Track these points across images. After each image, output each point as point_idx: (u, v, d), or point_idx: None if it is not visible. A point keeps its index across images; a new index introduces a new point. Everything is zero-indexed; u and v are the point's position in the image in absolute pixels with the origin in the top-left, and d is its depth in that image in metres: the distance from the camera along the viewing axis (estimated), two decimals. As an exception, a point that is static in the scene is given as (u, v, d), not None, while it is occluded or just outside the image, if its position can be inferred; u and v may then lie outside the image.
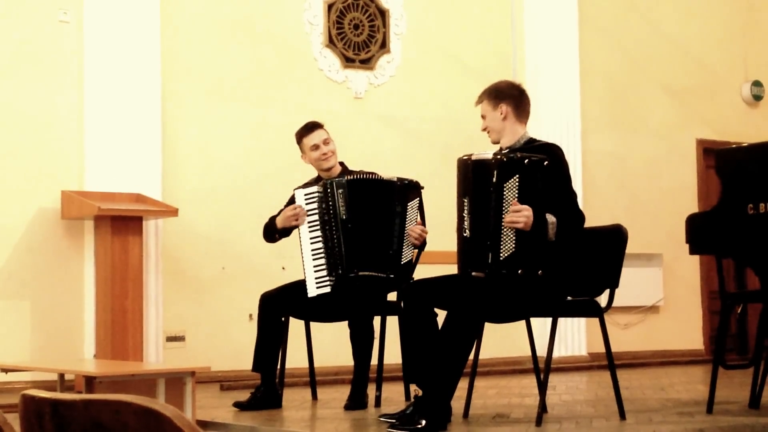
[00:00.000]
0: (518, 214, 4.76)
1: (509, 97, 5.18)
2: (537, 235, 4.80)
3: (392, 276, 5.80)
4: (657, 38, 10.28)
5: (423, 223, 5.93)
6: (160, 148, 7.78)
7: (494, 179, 4.82)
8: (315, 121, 6.18)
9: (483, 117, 5.23)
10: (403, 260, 5.84)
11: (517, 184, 4.79)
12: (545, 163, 4.85)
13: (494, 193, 4.82)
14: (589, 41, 9.75)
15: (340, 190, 5.83)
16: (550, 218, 4.85)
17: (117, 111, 7.61)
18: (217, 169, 8.11)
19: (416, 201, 5.89)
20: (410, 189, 5.88)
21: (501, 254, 4.80)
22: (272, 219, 6.15)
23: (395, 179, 5.88)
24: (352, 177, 5.90)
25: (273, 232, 6.11)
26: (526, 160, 4.81)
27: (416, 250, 5.93)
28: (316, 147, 6.05)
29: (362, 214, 5.83)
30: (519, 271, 4.81)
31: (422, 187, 5.92)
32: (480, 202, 4.89)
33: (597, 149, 9.78)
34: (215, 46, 8.19)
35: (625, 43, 10.09)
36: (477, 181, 4.90)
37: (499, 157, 4.84)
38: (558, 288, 5.00)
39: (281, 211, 6.16)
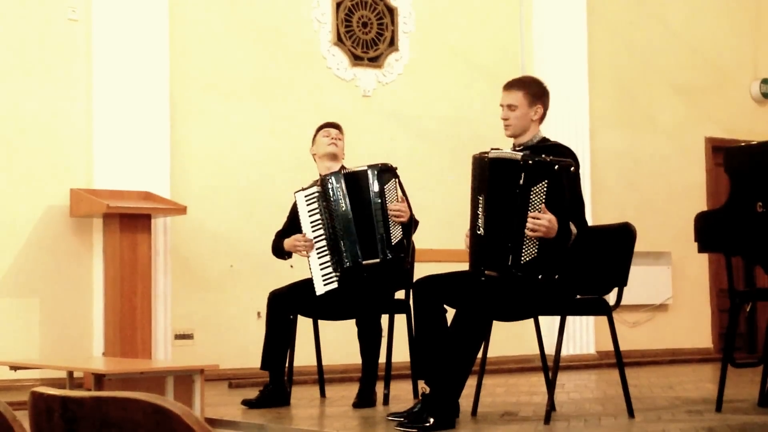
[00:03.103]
0: (540, 222, 4.70)
1: (544, 98, 5.16)
2: (559, 243, 4.77)
3: (389, 257, 5.81)
4: (666, 36, 10.26)
5: (406, 201, 5.92)
6: (168, 147, 7.78)
7: (521, 181, 4.75)
8: (337, 123, 6.33)
9: (510, 107, 5.13)
10: (394, 240, 5.85)
11: (545, 189, 4.73)
12: (572, 168, 4.81)
13: (520, 196, 4.76)
14: (597, 39, 9.74)
15: (338, 184, 5.88)
16: (573, 229, 4.83)
17: (126, 109, 7.62)
18: (225, 167, 8.12)
19: (393, 182, 5.91)
20: (384, 172, 5.91)
21: (522, 258, 4.77)
22: (279, 237, 6.20)
23: (366, 167, 5.91)
24: (345, 171, 5.97)
25: (281, 253, 6.21)
26: (555, 166, 4.73)
27: (407, 230, 5.91)
28: (327, 134, 6.18)
29: (355, 206, 5.88)
30: (539, 277, 4.79)
31: (395, 168, 5.93)
32: (499, 201, 4.85)
33: (606, 147, 9.76)
34: (223, 45, 8.19)
35: (633, 41, 10.08)
36: (495, 179, 4.86)
37: (528, 160, 4.75)
38: (567, 286, 4.99)
39: (286, 227, 6.20)
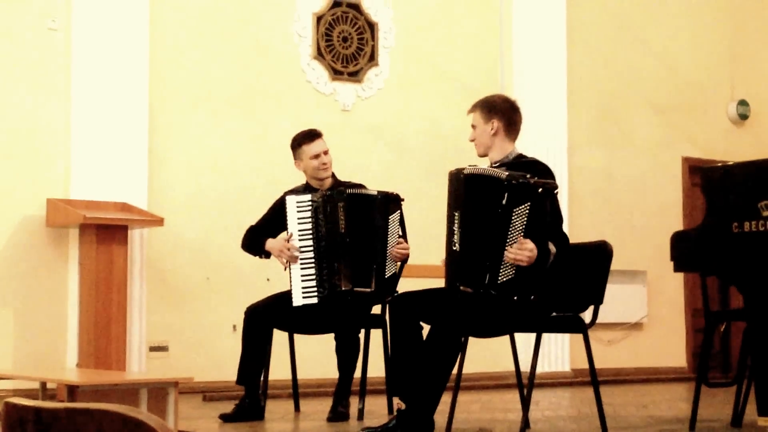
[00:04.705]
0: (522, 252, 4.70)
1: (502, 112, 5.16)
2: (537, 266, 4.77)
3: (378, 291, 5.80)
4: (645, 56, 10.32)
5: (404, 236, 5.92)
6: (146, 158, 7.76)
7: (504, 201, 4.75)
8: (316, 130, 6.12)
9: (473, 127, 5.21)
10: (387, 274, 5.84)
11: (527, 211, 4.73)
12: (556, 191, 4.84)
13: (501, 216, 4.76)
14: (577, 57, 9.78)
15: (341, 203, 5.82)
16: (552, 248, 4.84)
17: (104, 119, 7.60)
18: (203, 179, 8.11)
19: (397, 214, 5.88)
20: (391, 202, 5.88)
21: (499, 278, 4.77)
22: (256, 232, 6.12)
23: (376, 193, 5.88)
24: (351, 191, 5.89)
25: (258, 249, 6.08)
26: (540, 189, 4.74)
27: (398, 263, 5.93)
28: (316, 156, 6.01)
29: (356, 229, 5.83)
30: (515, 298, 4.80)
31: (402, 200, 5.92)
32: (476, 219, 4.85)
33: (583, 165, 9.80)
34: (203, 57, 8.19)
35: (612, 60, 10.13)
36: (472, 196, 4.86)
37: (512, 180, 4.75)
38: (543, 304, 5.00)
39: (261, 224, 6.14)
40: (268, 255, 6.06)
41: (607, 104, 10.07)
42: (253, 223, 6.22)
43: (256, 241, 6.10)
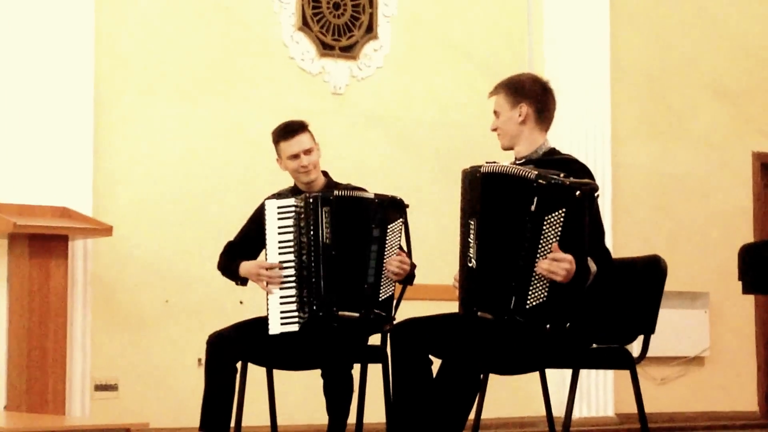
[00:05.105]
0: (558, 265, 4.64)
1: (532, 96, 5.13)
2: (574, 286, 4.72)
3: (370, 316, 5.77)
4: (706, 29, 10.30)
5: (408, 251, 5.88)
6: (91, 154, 7.75)
7: (533, 207, 4.71)
8: (298, 122, 6.09)
9: (495, 114, 5.18)
10: (383, 295, 5.80)
11: (562, 219, 4.67)
12: (597, 194, 4.79)
13: (530, 225, 4.71)
14: (622, 31, 9.77)
15: (325, 208, 5.79)
16: (592, 266, 4.79)
17: (39, 109, 7.59)
18: (161, 179, 8.09)
19: (398, 223, 5.84)
20: (392, 208, 5.84)
21: (528, 302, 4.73)
22: (231, 251, 6.12)
23: (373, 196, 5.85)
24: (340, 193, 5.86)
25: (234, 275, 6.11)
26: (577, 191, 4.67)
27: (401, 285, 5.89)
28: (295, 156, 6.00)
29: (344, 240, 5.80)
30: (547, 326, 4.75)
31: (407, 206, 5.88)
32: (498, 228, 4.82)
33: (630, 162, 9.77)
34: (161, 32, 8.18)
35: (666, 35, 10.10)
36: (491, 199, 4.84)
37: (542, 180, 4.71)
38: (581, 334, 4.96)
39: (239, 239, 6.13)
40: (245, 281, 6.07)
41: (659, 88, 10.05)
42: (233, 237, 6.23)
43: (230, 263, 6.11)
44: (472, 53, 9.16)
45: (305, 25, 8.65)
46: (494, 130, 5.21)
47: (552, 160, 5.05)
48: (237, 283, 6.14)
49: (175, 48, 8.21)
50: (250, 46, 8.47)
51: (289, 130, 6.05)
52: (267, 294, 5.85)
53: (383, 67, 8.91)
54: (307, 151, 6.01)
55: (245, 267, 6.01)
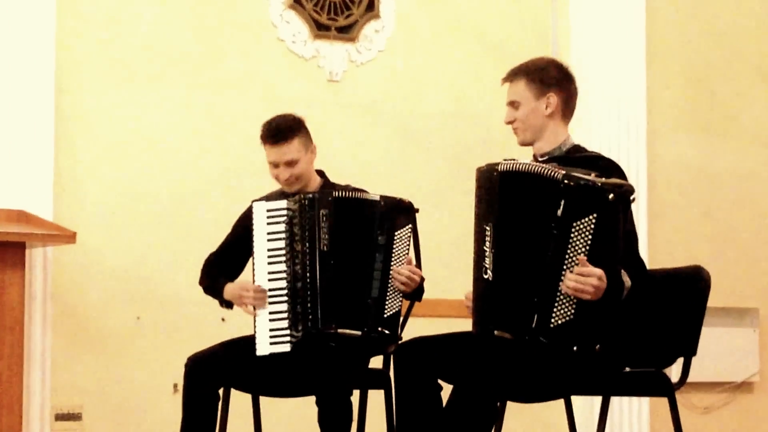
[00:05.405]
0: (587, 281, 4.66)
1: (559, 84, 5.17)
2: (606, 302, 4.75)
3: (373, 335, 5.79)
4: (755, 6, 10.30)
5: (417, 261, 5.91)
6: (52, 150, 7.75)
7: (559, 212, 4.72)
8: (287, 125, 6.07)
9: (513, 104, 5.21)
10: (388, 312, 5.83)
11: (592, 226, 4.68)
12: (632, 197, 4.80)
13: (556, 232, 4.73)
14: (660, 11, 9.76)
15: (323, 210, 5.82)
16: (626, 280, 4.83)
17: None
18: (132, 178, 8.09)
19: (407, 229, 5.87)
20: (399, 212, 5.87)
21: (553, 320, 4.76)
22: (213, 266, 6.15)
23: (378, 198, 5.88)
24: (339, 193, 5.90)
25: (218, 296, 6.17)
26: (610, 194, 4.68)
27: (408, 300, 5.92)
28: (274, 165, 6.03)
29: (345, 247, 5.84)
30: (573, 348, 4.78)
31: (416, 210, 5.91)
32: (517, 235, 4.85)
33: (668, 160, 9.77)
34: (133, 10, 8.16)
35: (709, 13, 10.10)
36: (511, 202, 4.87)
37: (570, 181, 4.71)
38: (612, 356, 4.99)
39: (222, 249, 6.16)
40: (229, 305, 6.12)
41: (703, 74, 10.05)
42: (216, 247, 6.26)
43: (214, 281, 6.16)
44: (488, 35, 9.16)
45: (297, 2, 8.66)
46: (511, 122, 5.23)
47: (579, 157, 5.07)
48: (222, 305, 6.17)
49: (151, 31, 8.19)
50: (233, 26, 8.46)
51: (273, 135, 6.05)
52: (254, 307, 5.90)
53: (386, 50, 8.91)
54: (291, 163, 6.01)
55: (229, 288, 6.06)
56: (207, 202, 7.99)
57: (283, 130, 6.03)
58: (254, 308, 5.88)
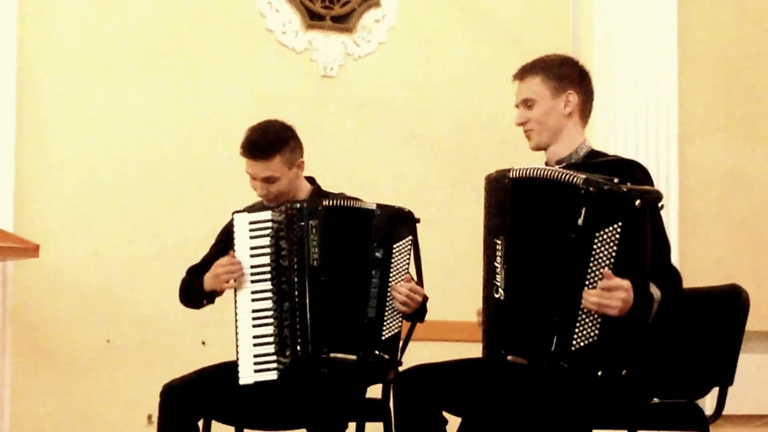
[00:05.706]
0: (612, 295, 4.62)
1: (578, 82, 5.15)
2: (633, 321, 4.71)
3: (369, 359, 5.77)
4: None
5: (418, 278, 5.88)
6: (12, 156, 7.79)
7: (580, 221, 4.70)
8: (269, 141, 5.96)
9: (527, 103, 5.19)
10: (386, 334, 5.80)
11: (617, 236, 4.65)
12: (660, 204, 4.77)
13: (577, 244, 4.70)
14: (693, 4, 9.76)
15: (312, 221, 5.79)
16: (655, 293, 4.78)
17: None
18: (101, 185, 8.11)
19: (406, 242, 5.84)
20: (398, 222, 5.85)
21: (575, 342, 4.72)
22: (193, 273, 6.14)
23: (374, 207, 5.86)
24: (331, 202, 5.87)
25: (198, 295, 6.09)
26: (637, 200, 4.65)
27: (409, 321, 5.89)
28: (252, 178, 6.00)
29: (337, 262, 5.82)
30: (598, 373, 4.73)
31: (417, 220, 5.88)
32: (532, 248, 4.82)
33: (702, 166, 9.78)
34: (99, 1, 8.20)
35: (747, 9, 10.11)
36: (525, 212, 4.84)
37: (591, 187, 4.68)
38: (640, 384, 4.96)
39: (211, 256, 6.14)
40: (211, 297, 6.06)
41: (739, 73, 10.05)
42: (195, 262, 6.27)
43: (190, 286, 6.14)
44: (501, 25, 9.18)
45: (288, -11, 8.70)
46: (523, 123, 5.20)
47: (599, 163, 5.03)
48: (204, 303, 6.11)
49: (126, 22, 8.22)
50: (218, 15, 8.49)
51: (250, 150, 5.98)
52: (237, 333, 5.85)
53: (387, 42, 8.94)
54: (269, 179, 5.96)
55: (208, 277, 5.97)
56: (185, 212, 7.99)
57: (262, 148, 5.94)
58: (235, 282, 5.83)
